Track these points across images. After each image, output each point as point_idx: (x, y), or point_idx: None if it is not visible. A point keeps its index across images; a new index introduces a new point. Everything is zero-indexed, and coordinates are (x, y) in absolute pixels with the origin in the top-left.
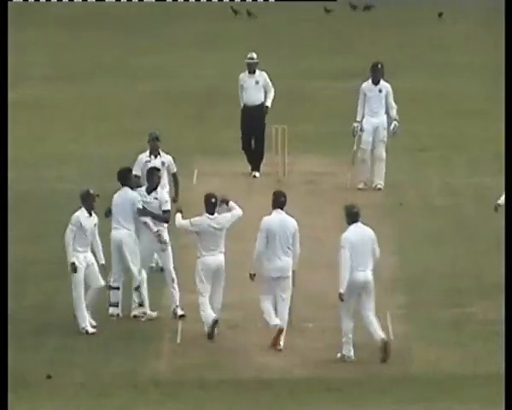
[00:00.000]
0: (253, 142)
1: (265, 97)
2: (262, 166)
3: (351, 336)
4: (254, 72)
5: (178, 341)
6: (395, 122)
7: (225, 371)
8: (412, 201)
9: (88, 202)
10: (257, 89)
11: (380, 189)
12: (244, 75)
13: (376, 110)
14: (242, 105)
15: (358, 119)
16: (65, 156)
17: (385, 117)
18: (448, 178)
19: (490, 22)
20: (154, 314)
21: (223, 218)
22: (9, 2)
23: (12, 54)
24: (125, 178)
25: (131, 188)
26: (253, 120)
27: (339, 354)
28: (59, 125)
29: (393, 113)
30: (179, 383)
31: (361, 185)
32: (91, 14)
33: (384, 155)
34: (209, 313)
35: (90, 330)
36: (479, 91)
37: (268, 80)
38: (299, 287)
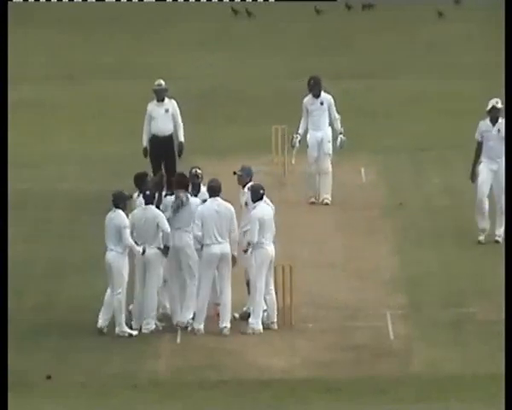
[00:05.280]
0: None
1: (175, 128)
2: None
3: None
4: (163, 99)
5: (178, 341)
6: (341, 136)
7: (225, 372)
8: (412, 201)
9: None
10: (166, 118)
11: (327, 203)
12: (152, 104)
13: (319, 123)
14: (151, 135)
15: (300, 131)
16: (65, 156)
17: (329, 130)
18: (448, 178)
19: (490, 22)
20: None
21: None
22: (9, 3)
23: (12, 54)
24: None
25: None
26: (163, 151)
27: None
28: (59, 125)
29: (338, 125)
30: (179, 384)
31: (312, 200)
32: (91, 14)
33: (330, 168)
34: None
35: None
36: (479, 91)
37: (177, 109)
38: (300, 287)
